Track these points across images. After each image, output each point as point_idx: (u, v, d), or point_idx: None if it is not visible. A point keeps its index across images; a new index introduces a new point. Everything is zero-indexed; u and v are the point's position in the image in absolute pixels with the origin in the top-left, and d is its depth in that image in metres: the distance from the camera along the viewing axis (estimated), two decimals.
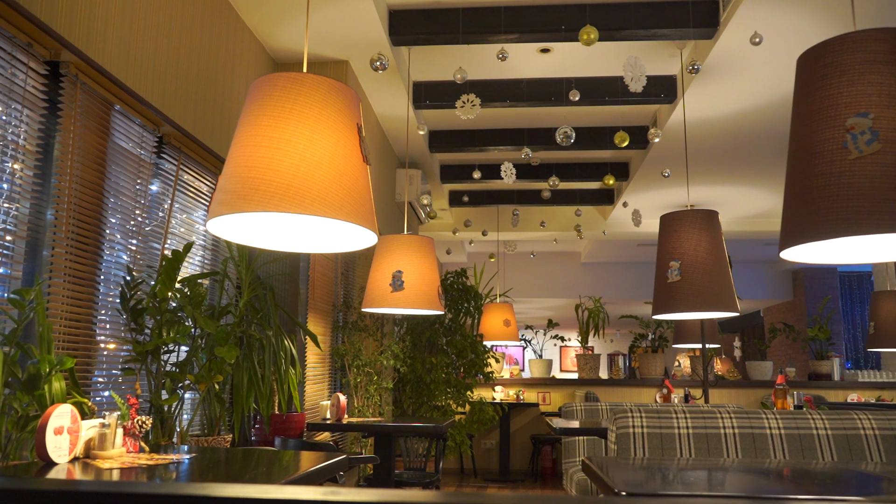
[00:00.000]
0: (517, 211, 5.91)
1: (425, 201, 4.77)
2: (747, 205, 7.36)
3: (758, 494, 1.41)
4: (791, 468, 1.92)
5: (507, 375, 8.05)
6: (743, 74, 4.10)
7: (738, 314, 3.70)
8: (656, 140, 3.85)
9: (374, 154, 4.78)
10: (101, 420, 1.85)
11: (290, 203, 1.73)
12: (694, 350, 7.98)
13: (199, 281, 2.81)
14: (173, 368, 2.61)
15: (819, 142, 1.81)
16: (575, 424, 3.72)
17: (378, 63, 3.13)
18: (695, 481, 1.62)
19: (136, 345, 2.47)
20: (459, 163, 6.51)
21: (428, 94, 4.79)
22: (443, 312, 3.66)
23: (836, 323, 10.13)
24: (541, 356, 8.08)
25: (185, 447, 2.15)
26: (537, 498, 0.56)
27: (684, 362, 8.01)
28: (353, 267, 4.99)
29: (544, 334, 8.62)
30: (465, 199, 5.58)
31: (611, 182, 4.37)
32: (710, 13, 3.65)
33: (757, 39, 2.98)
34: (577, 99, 3.68)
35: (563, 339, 8.06)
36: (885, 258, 1.92)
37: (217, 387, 2.83)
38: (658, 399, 5.67)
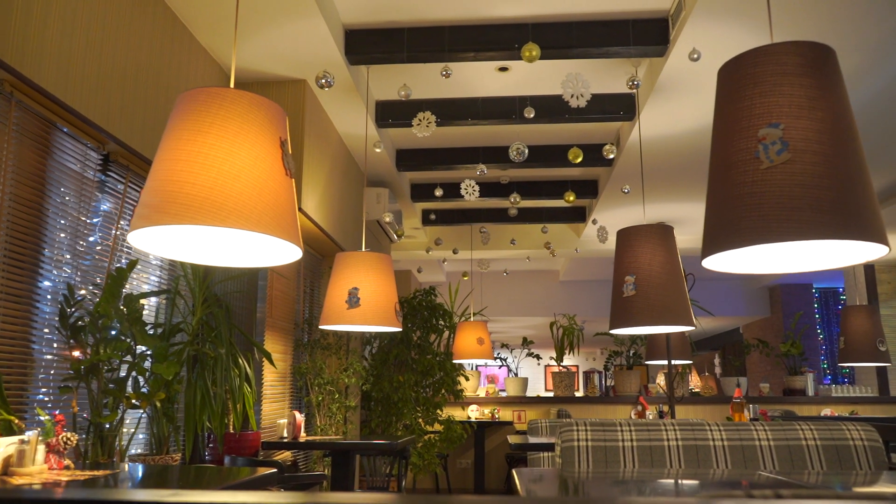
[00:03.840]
0: (484, 229, 5.93)
1: (388, 219, 4.78)
2: None
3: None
4: (685, 475, 1.92)
5: (482, 394, 8.03)
6: (696, 91, 4.16)
7: (694, 328, 3.71)
8: (611, 156, 3.89)
9: (339, 173, 4.80)
10: (20, 437, 1.83)
11: (207, 216, 1.73)
12: (677, 367, 7.98)
13: (155, 298, 2.80)
14: (113, 387, 2.60)
15: (734, 152, 1.83)
16: (541, 441, 3.71)
17: (323, 80, 3.15)
18: (594, 488, 1.62)
19: (74, 362, 2.45)
20: (431, 181, 6.54)
21: (392, 114, 4.82)
22: (400, 329, 3.66)
23: (813, 338, 10.18)
24: (516, 374, 8.06)
25: (127, 465, 2.13)
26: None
27: (659, 379, 8.01)
28: (318, 285, 4.99)
29: (520, 352, 8.59)
30: (433, 217, 5.60)
31: (571, 199, 4.40)
32: (661, 31, 3.71)
33: (695, 56, 3.02)
34: (531, 116, 3.72)
35: (538, 357, 8.06)
36: (806, 267, 1.94)
37: (158, 405, 2.81)
38: (633, 416, 5.66)
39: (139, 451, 3.30)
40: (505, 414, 7.79)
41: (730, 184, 1.82)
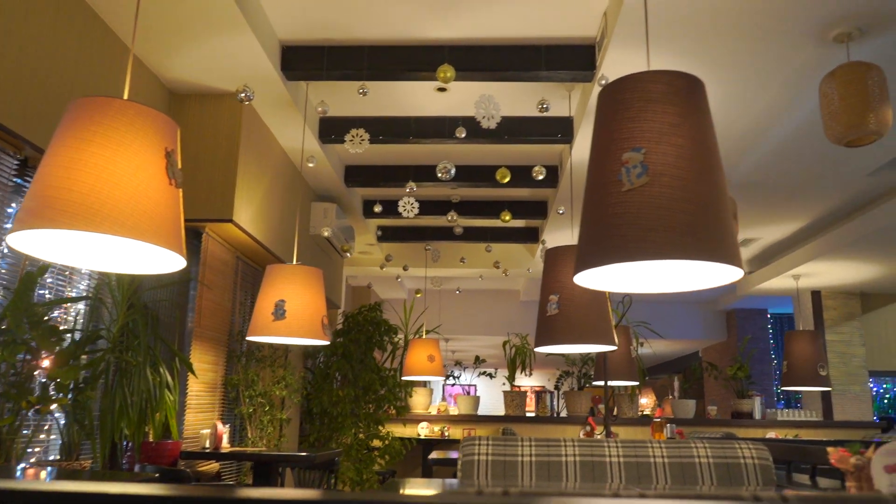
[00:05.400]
0: (429, 246, 5.98)
1: (326, 233, 4.82)
2: None
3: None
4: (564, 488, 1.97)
5: (434, 412, 8.04)
6: None
7: (615, 348, 3.79)
8: (540, 177, 3.97)
9: (281, 186, 4.84)
10: None
11: (82, 221, 1.77)
12: (627, 388, 8.04)
13: (83, 305, 2.81)
14: (15, 391, 2.61)
15: (602, 174, 1.91)
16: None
17: (243, 94, 3.21)
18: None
19: None
20: (384, 198, 6.60)
21: (336, 129, 4.88)
22: (327, 342, 3.69)
23: (766, 363, 10.32)
24: (468, 393, 8.08)
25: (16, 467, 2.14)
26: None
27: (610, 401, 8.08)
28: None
29: (473, 371, 8.63)
30: (380, 233, 5.65)
31: (507, 218, 4.48)
32: (589, 57, 3.82)
33: (603, 82, 3.12)
34: (463, 136, 3.79)
35: (491, 375, 8.09)
36: (668, 288, 2.01)
37: (60, 409, 2.82)
38: (581, 436, 5.71)
39: (55, 457, 3.29)
40: (455, 432, 7.80)
41: (597, 204, 1.89)
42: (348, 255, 5.87)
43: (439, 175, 3.65)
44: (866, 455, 1.75)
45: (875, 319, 8.94)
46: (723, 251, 1.78)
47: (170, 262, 2.01)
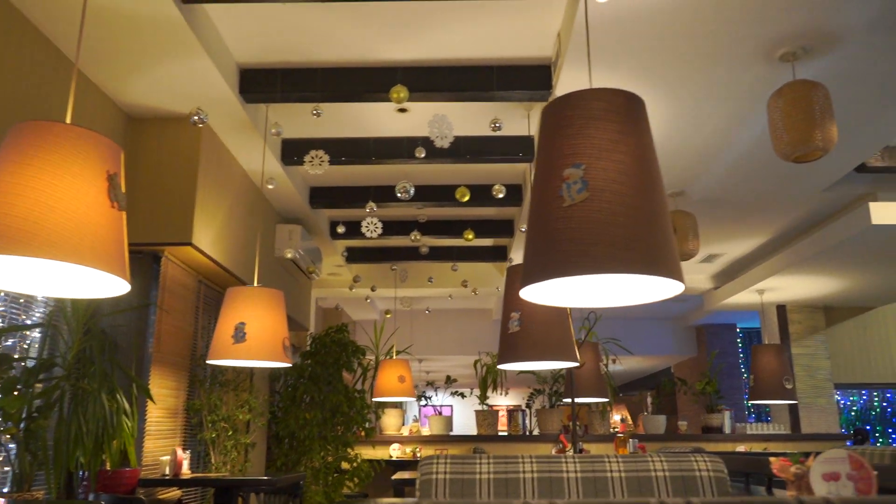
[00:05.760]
0: (395, 266, 5.98)
1: (289, 255, 4.81)
2: None
3: None
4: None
5: (406, 433, 7.99)
6: None
7: (578, 365, 3.80)
8: (501, 195, 4.01)
9: (243, 209, 4.82)
10: None
11: (20, 246, 1.75)
12: (590, 405, 8.07)
13: (38, 333, 2.76)
14: None
15: (544, 190, 1.93)
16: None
17: (196, 117, 3.21)
18: None
19: None
20: (352, 218, 6.59)
21: (298, 151, 4.88)
22: (289, 364, 3.67)
23: (736, 377, 10.42)
24: (440, 413, 8.05)
25: None
26: None
27: (583, 418, 8.09)
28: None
29: (444, 391, 8.62)
30: (346, 254, 5.64)
31: (470, 237, 4.50)
32: (545, 77, 3.87)
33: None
34: (422, 156, 3.82)
35: (462, 395, 8.06)
36: (611, 302, 2.03)
37: (10, 439, 2.76)
38: (554, 453, 5.71)
39: (7, 489, 3.21)
40: (427, 452, 7.75)
41: (540, 220, 1.91)
42: (315, 276, 5.84)
43: (399, 195, 3.66)
44: (806, 464, 1.77)
45: (839, 332, 9.09)
46: (663, 265, 1.80)
47: (114, 286, 1.99)
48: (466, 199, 3.84)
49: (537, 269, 1.88)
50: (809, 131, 3.23)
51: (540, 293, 2.03)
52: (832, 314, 8.59)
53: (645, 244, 1.81)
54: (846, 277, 7.20)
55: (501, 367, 3.89)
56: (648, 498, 2.29)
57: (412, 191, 3.66)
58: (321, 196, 5.77)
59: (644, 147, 1.92)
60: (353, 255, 7.24)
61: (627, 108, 1.94)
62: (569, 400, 6.75)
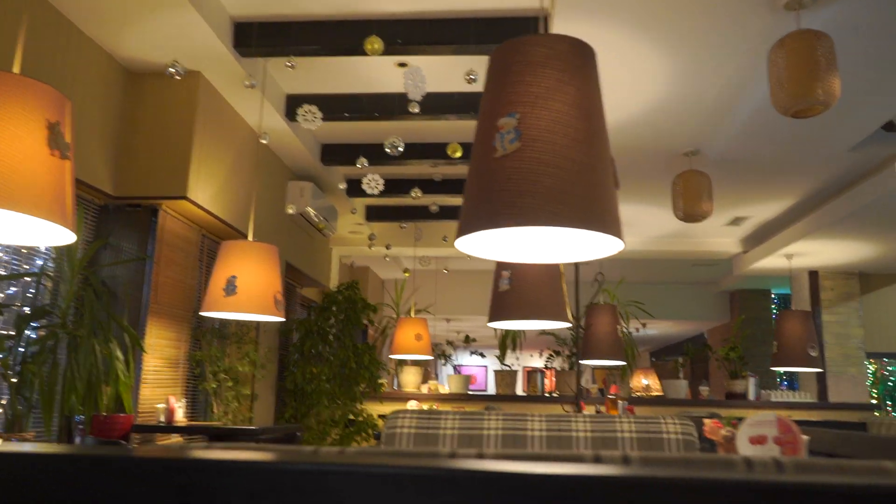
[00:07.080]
0: (404, 225, 5.97)
1: (291, 210, 4.83)
2: (655, 225, 7.45)
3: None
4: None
5: (425, 391, 8.07)
6: None
7: (570, 325, 3.75)
8: (458, 154, 3.93)
9: (252, 165, 4.85)
10: None
11: None
12: (608, 368, 8.00)
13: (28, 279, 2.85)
14: None
15: (482, 141, 1.87)
16: None
17: (173, 70, 3.21)
18: None
19: None
20: (362, 176, 6.58)
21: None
22: (281, 319, 3.71)
23: (768, 344, 10.17)
24: (458, 372, 8.10)
25: None
26: None
27: (599, 378, 8.04)
28: None
29: (464, 351, 8.65)
30: (353, 211, 5.64)
31: (458, 154, 4.43)
32: (534, 30, 3.75)
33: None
34: (416, 111, 3.76)
35: (482, 355, 8.08)
36: (545, 259, 1.98)
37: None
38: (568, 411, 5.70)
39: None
40: (443, 409, 7.83)
41: (475, 172, 1.86)
42: (328, 234, 5.87)
43: (388, 151, 3.62)
44: (738, 428, 1.71)
45: (875, 300, 8.76)
46: (598, 220, 1.74)
47: (59, 235, 2.02)
48: (459, 154, 3.78)
49: (471, 220, 1.83)
50: (810, 84, 3.07)
51: (476, 246, 1.98)
52: (869, 281, 8.28)
53: (579, 198, 1.74)
54: (882, 242, 6.91)
55: (491, 324, 3.86)
56: (572, 451, 2.26)
57: (401, 147, 3.62)
58: (333, 153, 5.76)
59: (586, 97, 1.84)
60: (373, 214, 7.25)
61: (571, 54, 1.86)
62: (585, 362, 6.69)
